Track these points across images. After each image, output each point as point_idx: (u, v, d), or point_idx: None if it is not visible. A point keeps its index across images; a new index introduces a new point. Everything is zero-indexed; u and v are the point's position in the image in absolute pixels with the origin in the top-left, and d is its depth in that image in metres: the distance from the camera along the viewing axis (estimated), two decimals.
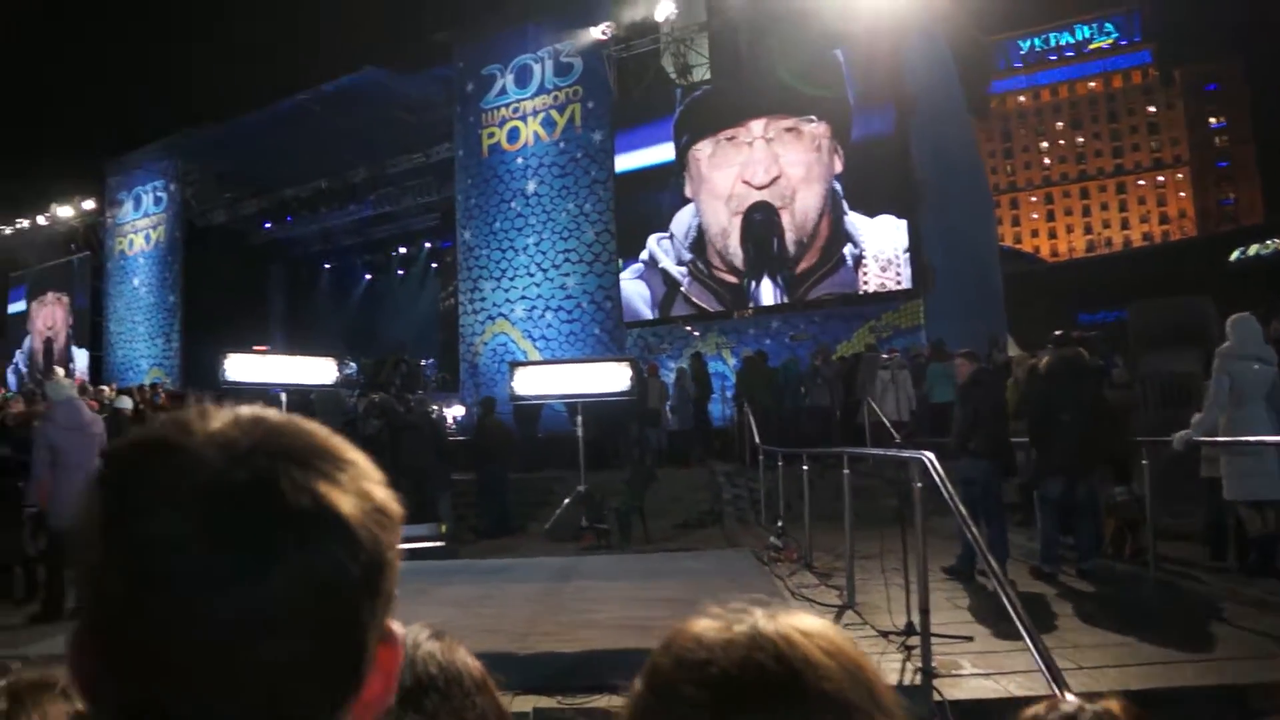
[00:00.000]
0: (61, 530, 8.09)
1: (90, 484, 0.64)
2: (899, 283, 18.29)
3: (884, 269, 18.38)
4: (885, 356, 15.79)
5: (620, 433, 16.54)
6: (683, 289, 20.41)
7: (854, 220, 18.69)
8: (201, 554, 0.58)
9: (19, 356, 34.37)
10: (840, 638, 0.79)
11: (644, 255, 20.87)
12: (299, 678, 0.61)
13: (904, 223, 18.20)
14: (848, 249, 18.71)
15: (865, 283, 18.61)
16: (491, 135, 23.22)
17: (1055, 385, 8.36)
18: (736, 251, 19.82)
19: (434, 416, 14.90)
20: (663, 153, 20.98)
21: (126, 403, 13.52)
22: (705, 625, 0.80)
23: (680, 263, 20.50)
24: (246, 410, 0.68)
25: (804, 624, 0.79)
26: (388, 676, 0.69)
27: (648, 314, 20.86)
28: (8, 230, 34.19)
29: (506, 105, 23.08)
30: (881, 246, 18.41)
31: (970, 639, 6.18)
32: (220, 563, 0.58)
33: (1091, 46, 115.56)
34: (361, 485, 0.66)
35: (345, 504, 0.63)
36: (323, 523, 0.62)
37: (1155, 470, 8.29)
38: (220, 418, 0.66)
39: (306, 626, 0.61)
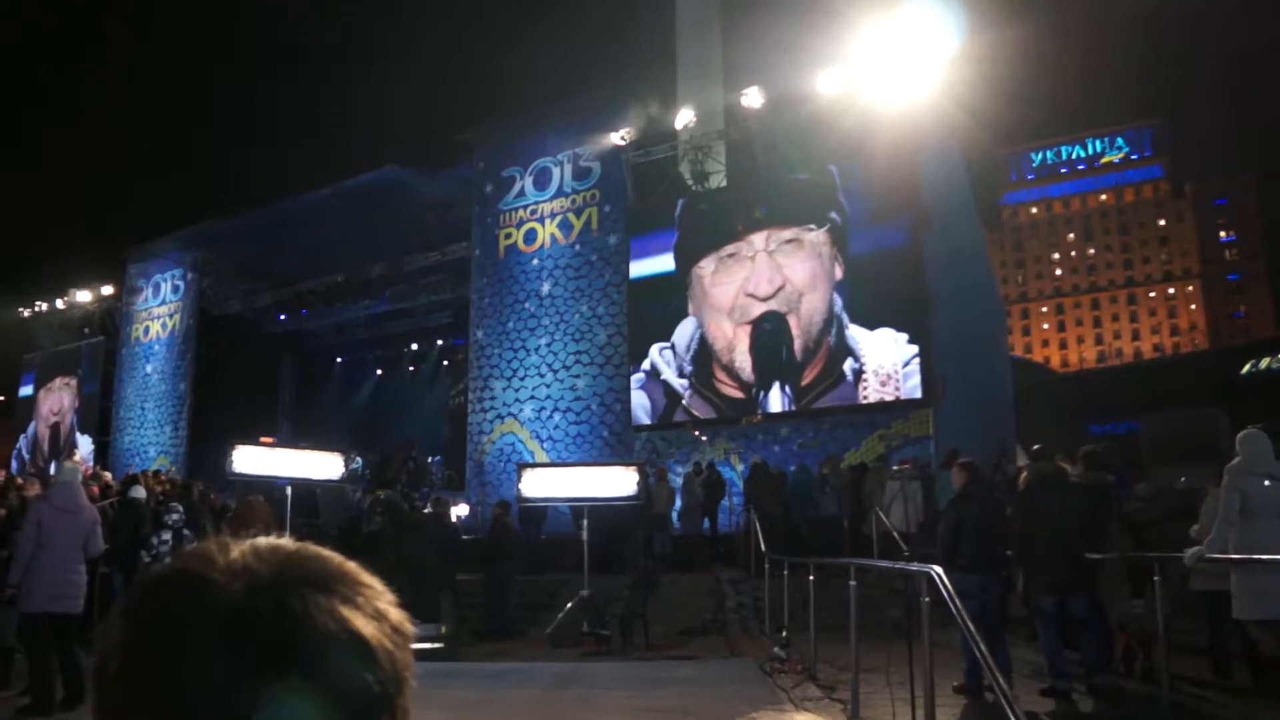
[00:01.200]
0: (32, 614, 8.00)
1: (115, 617, 0.66)
2: (897, 396, 18.26)
3: (884, 383, 18.38)
4: (895, 467, 15.67)
5: (625, 537, 16.38)
6: (684, 401, 20.38)
7: (854, 333, 18.76)
8: (230, 684, 0.60)
9: (23, 441, 34.40)
10: None
11: (645, 365, 20.89)
12: None
13: (904, 336, 18.23)
14: (848, 364, 18.73)
15: (865, 396, 18.59)
16: (509, 236, 23.52)
17: (1034, 501, 8.27)
18: (744, 364, 19.78)
19: (442, 515, 14.78)
20: (669, 261, 21.16)
21: (140, 492, 13.46)
22: None
23: (681, 374, 20.51)
24: (264, 541, 0.70)
25: None
26: None
27: (648, 423, 20.78)
28: (25, 313, 34.63)
29: (524, 207, 23.43)
30: (881, 360, 18.43)
31: None
32: (248, 691, 0.60)
33: (1103, 160, 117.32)
34: (378, 606, 0.68)
35: (365, 626, 0.65)
36: (346, 645, 0.63)
37: (1167, 586, 8.14)
38: (239, 548, 0.68)
39: None
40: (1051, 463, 8.60)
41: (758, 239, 19.95)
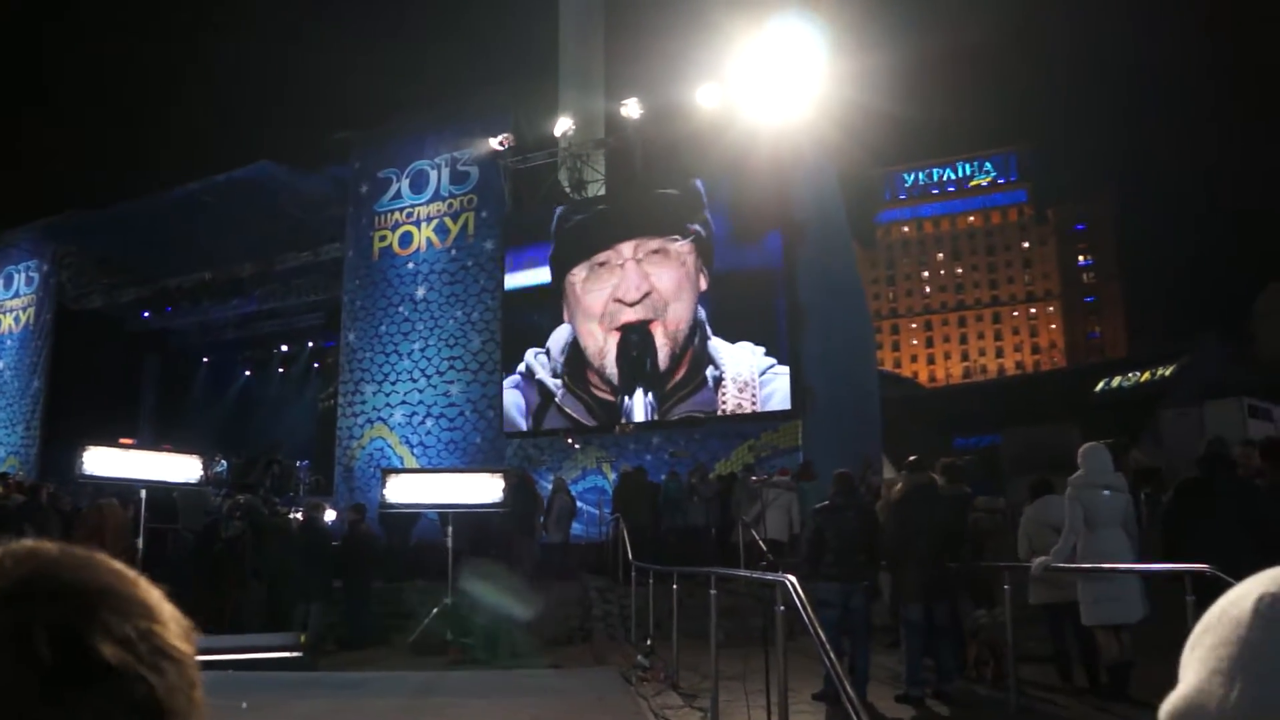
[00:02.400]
0: None
1: None
2: (754, 405, 18.63)
3: (740, 390, 18.75)
4: (774, 476, 15.85)
5: (492, 544, 16.25)
6: (556, 399, 20.40)
7: (715, 344, 19.09)
8: None
9: None
10: None
11: (520, 368, 20.84)
12: None
13: (761, 349, 18.63)
14: (709, 370, 19.04)
15: (724, 403, 18.95)
16: (384, 238, 23.17)
17: (908, 510, 8.50)
18: (613, 370, 19.93)
19: (315, 520, 14.42)
20: (545, 274, 21.15)
21: None
22: None
23: (555, 375, 20.52)
24: (22, 545, 0.64)
25: None
26: None
27: (522, 424, 20.72)
28: None
29: (400, 209, 23.10)
30: (739, 369, 18.81)
31: None
32: None
33: (972, 183, 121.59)
34: (140, 625, 0.61)
35: (110, 650, 0.59)
36: (82, 673, 0.57)
37: (1015, 595, 8.42)
38: None
39: None
40: (925, 474, 8.83)
41: (626, 248, 20.12)
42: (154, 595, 0.65)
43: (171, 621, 0.64)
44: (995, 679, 8.84)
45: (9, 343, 29.45)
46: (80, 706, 0.56)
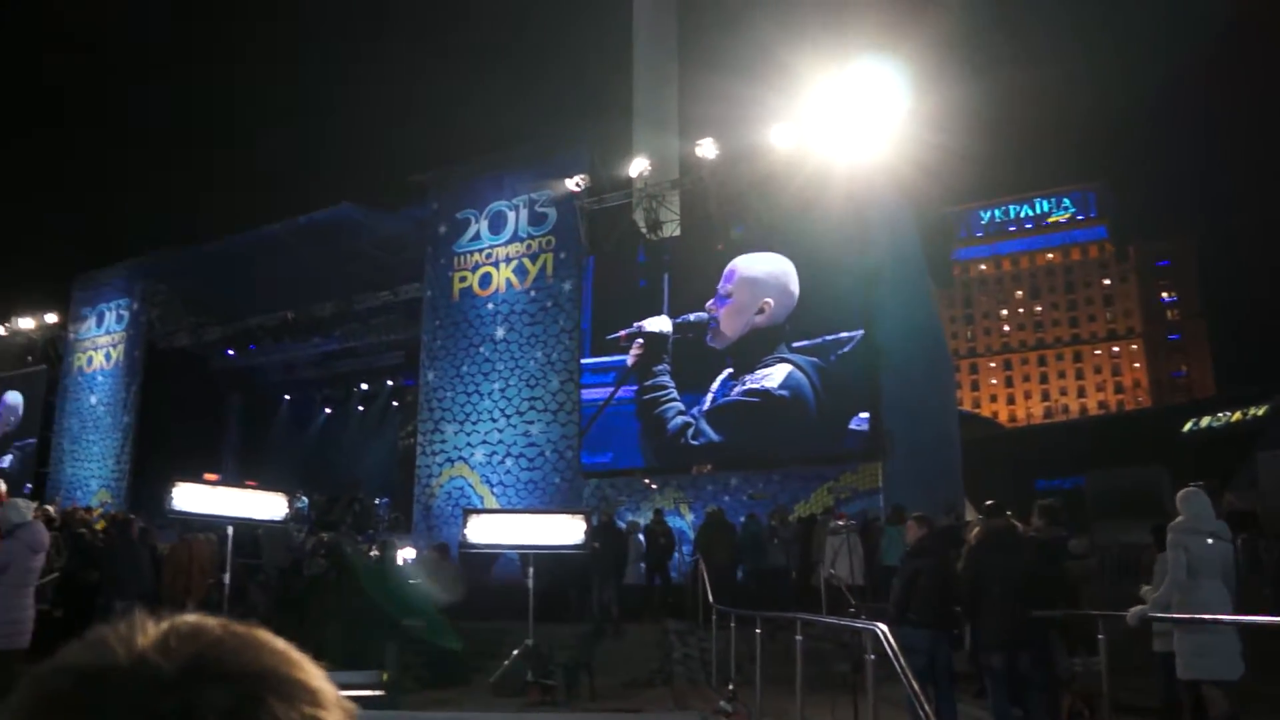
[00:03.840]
0: None
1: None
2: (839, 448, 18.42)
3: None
4: (838, 522, 15.65)
5: (573, 585, 16.24)
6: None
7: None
8: None
9: None
10: None
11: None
12: None
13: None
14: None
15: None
16: (463, 279, 23.44)
17: (984, 557, 8.31)
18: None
19: (390, 558, 14.57)
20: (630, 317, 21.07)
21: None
22: None
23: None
24: (185, 622, 0.63)
25: None
26: None
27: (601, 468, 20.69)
28: None
29: (480, 250, 23.38)
30: None
31: None
32: None
33: (1050, 220, 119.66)
34: (305, 712, 0.60)
35: None
36: None
37: (1110, 644, 8.18)
38: (147, 633, 0.61)
39: None
40: (1002, 518, 8.64)
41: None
42: (317, 678, 0.64)
43: (335, 708, 0.63)
44: None
45: (100, 378, 30.29)
46: None
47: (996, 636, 8.11)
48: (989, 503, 8.96)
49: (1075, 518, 17.66)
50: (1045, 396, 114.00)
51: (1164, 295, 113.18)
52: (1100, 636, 8.06)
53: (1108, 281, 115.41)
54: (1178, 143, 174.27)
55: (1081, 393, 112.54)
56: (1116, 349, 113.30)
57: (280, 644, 0.64)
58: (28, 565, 8.22)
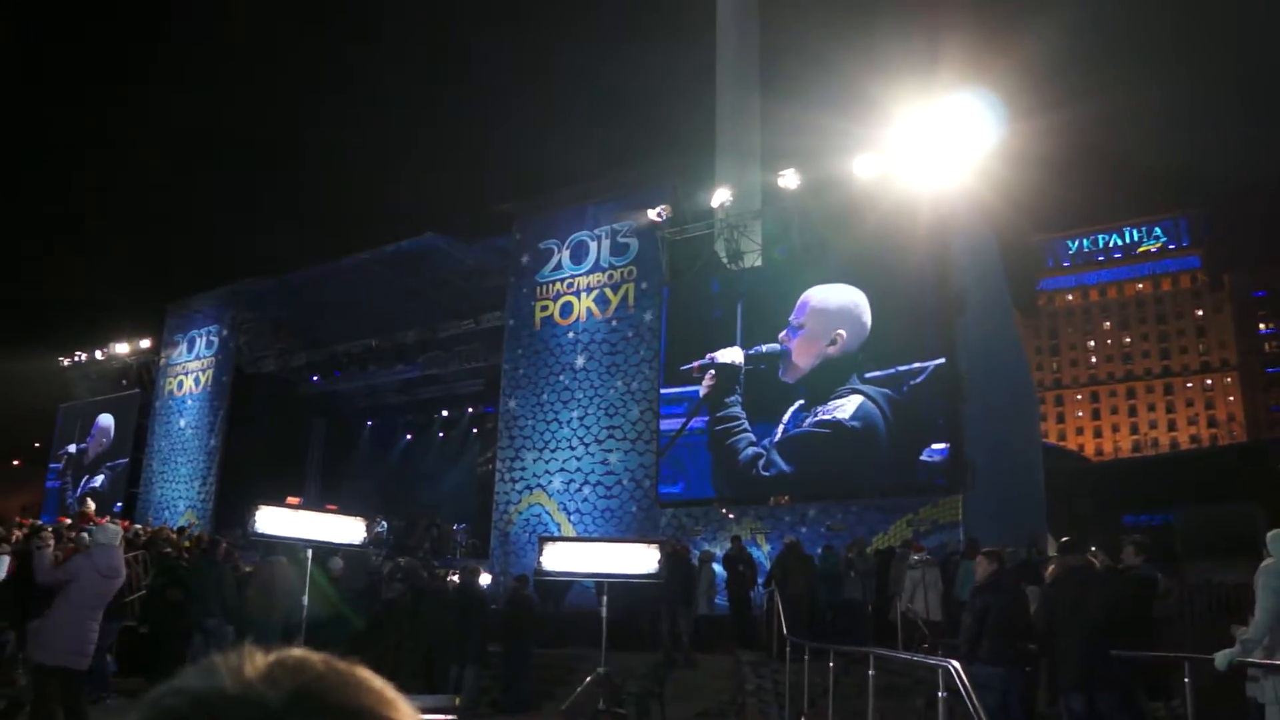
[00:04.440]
0: (46, 667, 8.01)
1: None
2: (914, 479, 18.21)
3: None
4: (915, 556, 15.42)
5: (646, 614, 16.21)
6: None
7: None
8: None
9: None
10: None
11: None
12: None
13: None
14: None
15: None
16: (545, 308, 23.65)
17: (1061, 593, 8.09)
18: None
19: (471, 584, 14.69)
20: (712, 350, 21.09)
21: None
22: None
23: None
24: (292, 656, 0.67)
25: None
26: None
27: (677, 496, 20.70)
28: (65, 362, 35.25)
29: (561, 280, 23.59)
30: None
31: None
32: None
33: (1140, 249, 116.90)
34: None
35: None
36: None
37: (1197, 688, 7.93)
38: (255, 664, 0.65)
39: None
40: (1080, 555, 8.44)
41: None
42: (409, 718, 0.67)
43: None
44: None
45: (190, 402, 31.17)
46: None
47: (1075, 677, 7.91)
48: (1064, 539, 8.76)
49: (1164, 555, 17.21)
50: (1134, 430, 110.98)
51: (1261, 326, 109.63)
52: (1186, 680, 7.83)
53: (1200, 312, 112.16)
54: (1276, 170, 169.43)
55: (1172, 426, 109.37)
56: (1210, 381, 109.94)
57: (378, 683, 0.68)
58: (96, 589, 8.34)
